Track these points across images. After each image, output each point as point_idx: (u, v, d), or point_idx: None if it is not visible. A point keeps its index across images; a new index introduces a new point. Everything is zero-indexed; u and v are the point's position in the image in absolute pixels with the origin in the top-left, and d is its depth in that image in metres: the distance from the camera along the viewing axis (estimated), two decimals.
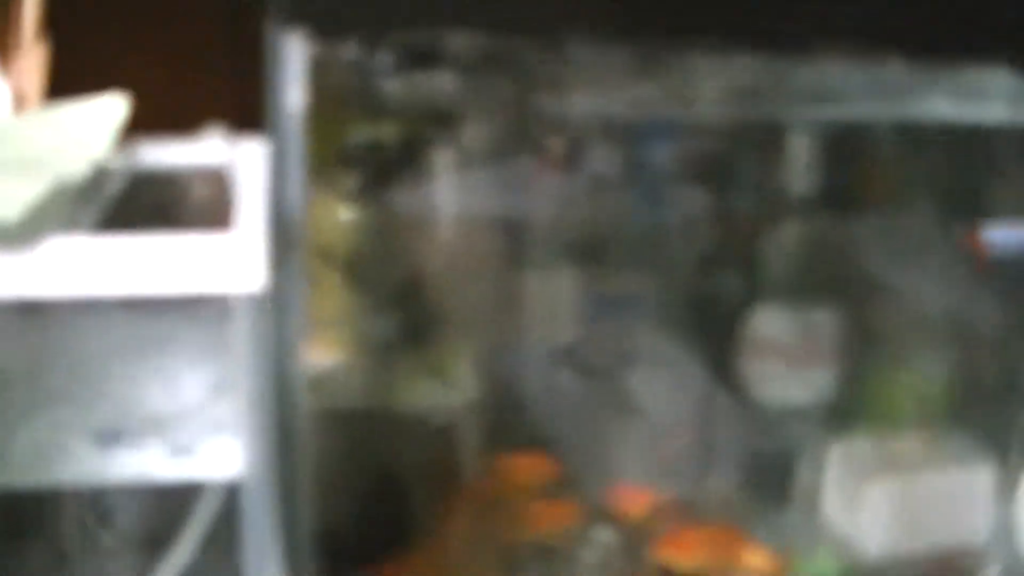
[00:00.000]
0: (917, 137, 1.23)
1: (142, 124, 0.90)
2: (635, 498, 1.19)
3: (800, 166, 1.25)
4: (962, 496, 1.19)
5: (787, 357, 1.26)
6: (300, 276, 0.89)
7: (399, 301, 1.17)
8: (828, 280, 1.29)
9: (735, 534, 1.15)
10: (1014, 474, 1.22)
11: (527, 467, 1.19)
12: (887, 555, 1.18)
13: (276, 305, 0.87)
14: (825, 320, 1.27)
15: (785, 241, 1.27)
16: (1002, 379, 1.28)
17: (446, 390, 1.16)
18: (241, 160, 1.00)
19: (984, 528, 1.21)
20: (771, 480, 1.24)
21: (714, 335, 1.28)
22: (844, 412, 1.28)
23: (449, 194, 1.23)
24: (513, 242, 1.25)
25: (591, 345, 1.29)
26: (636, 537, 1.15)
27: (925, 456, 1.21)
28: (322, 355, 1.10)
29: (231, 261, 0.86)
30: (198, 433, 0.87)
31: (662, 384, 1.25)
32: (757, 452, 1.25)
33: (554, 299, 1.27)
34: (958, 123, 1.18)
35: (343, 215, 1.12)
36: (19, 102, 0.99)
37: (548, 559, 1.16)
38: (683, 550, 1.13)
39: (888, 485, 1.17)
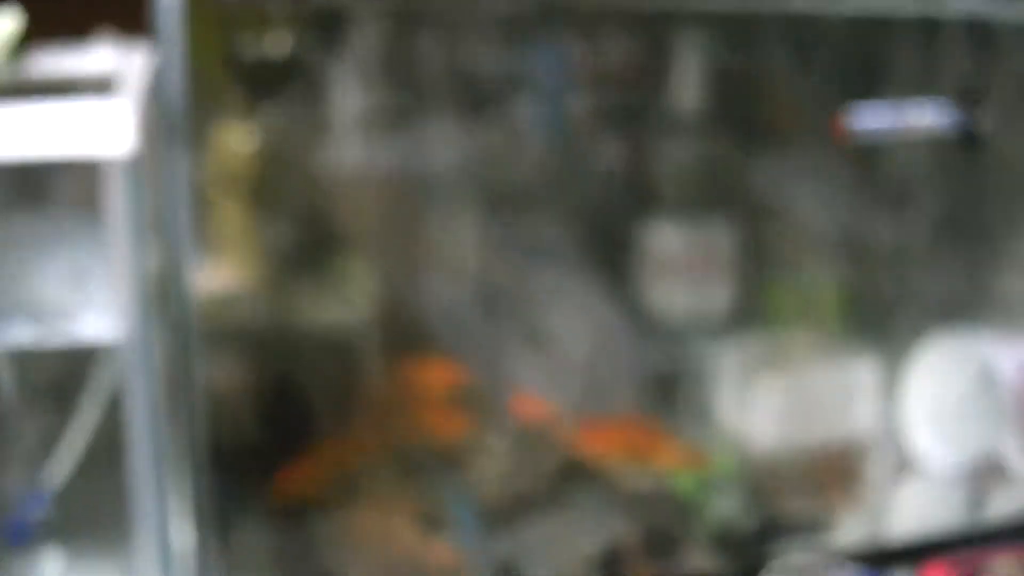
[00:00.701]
0: (805, 32, 1.24)
1: (32, 33, 0.90)
2: (535, 407, 1.19)
3: (691, 79, 1.24)
4: (849, 392, 1.23)
5: (683, 271, 1.26)
6: (184, 185, 0.89)
7: (298, 219, 1.16)
8: (722, 194, 1.29)
9: (648, 429, 1.17)
10: (898, 372, 1.25)
11: (430, 374, 1.18)
12: (779, 449, 1.21)
13: (167, 221, 0.88)
14: (720, 233, 1.27)
15: (679, 156, 1.27)
16: (888, 281, 1.32)
17: (347, 305, 1.16)
18: (128, 67, 1.00)
19: (871, 423, 1.25)
20: (669, 388, 1.25)
21: (613, 252, 1.28)
22: (739, 321, 1.29)
23: (348, 110, 1.21)
24: (413, 161, 1.23)
25: (493, 267, 1.28)
26: (535, 444, 1.17)
27: (813, 354, 1.24)
28: (223, 275, 1.10)
29: (103, 126, 0.87)
30: (75, 304, 0.87)
31: (564, 302, 1.24)
32: (656, 364, 1.26)
33: (454, 218, 1.26)
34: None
35: (239, 133, 1.11)
36: None
37: (449, 466, 1.17)
38: (598, 443, 1.14)
39: (777, 381, 1.20)
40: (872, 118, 1.08)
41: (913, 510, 1.22)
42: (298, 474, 1.07)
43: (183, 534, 0.96)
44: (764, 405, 1.19)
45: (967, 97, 1.07)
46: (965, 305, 1.41)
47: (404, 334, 1.19)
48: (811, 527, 1.13)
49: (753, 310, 1.29)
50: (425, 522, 1.12)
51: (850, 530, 1.16)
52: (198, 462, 0.96)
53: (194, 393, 0.96)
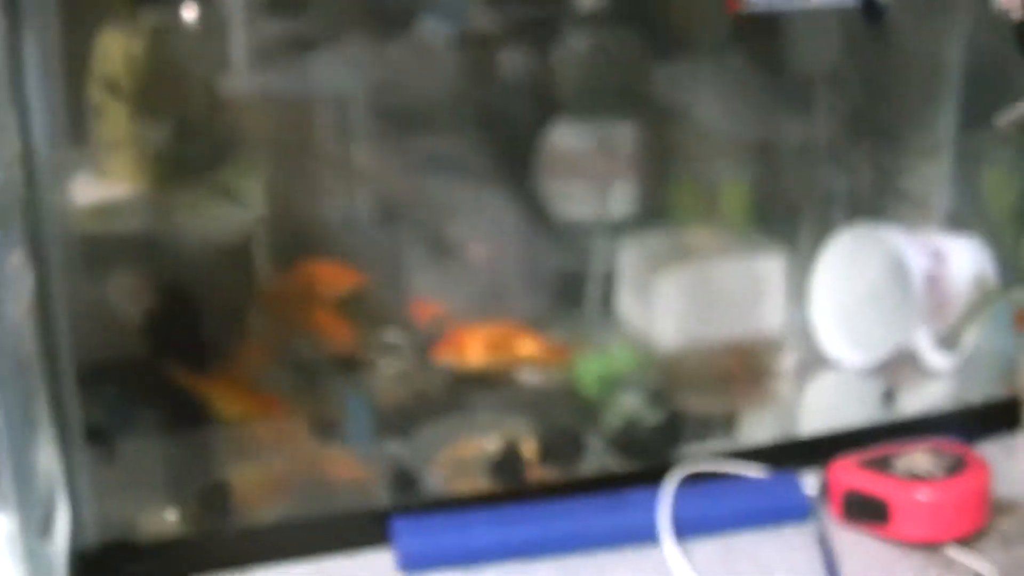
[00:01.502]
0: None
1: None
2: (430, 310, 1.17)
3: None
4: (756, 288, 1.21)
5: (586, 171, 1.25)
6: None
7: (186, 126, 1.14)
8: (623, 93, 1.27)
9: (513, 331, 1.15)
10: (807, 268, 1.25)
11: (325, 278, 1.17)
12: (682, 346, 1.19)
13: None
14: (623, 134, 1.26)
15: (577, 54, 1.24)
16: (795, 178, 1.31)
17: (238, 210, 1.14)
18: None
19: (779, 319, 1.23)
20: (572, 289, 1.25)
21: (516, 158, 1.27)
22: (642, 220, 1.28)
23: (239, 14, 1.18)
24: (311, 73, 1.22)
25: (391, 175, 1.27)
26: (428, 345, 1.15)
27: (715, 249, 1.22)
28: (110, 183, 1.09)
29: None
30: None
31: (466, 209, 1.24)
32: (561, 266, 1.25)
33: (352, 129, 1.25)
34: None
35: (124, 37, 1.08)
36: None
37: (345, 371, 1.16)
38: (460, 349, 1.13)
39: (678, 276, 1.18)
40: None
41: (824, 406, 1.22)
42: (191, 384, 1.05)
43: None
44: (667, 303, 1.18)
45: None
46: (873, 200, 1.41)
47: (297, 240, 1.18)
48: (718, 425, 1.12)
49: (657, 209, 1.29)
50: (320, 428, 1.10)
51: (759, 427, 1.15)
52: (60, 377, 0.92)
53: (52, 304, 0.92)
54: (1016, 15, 0.92)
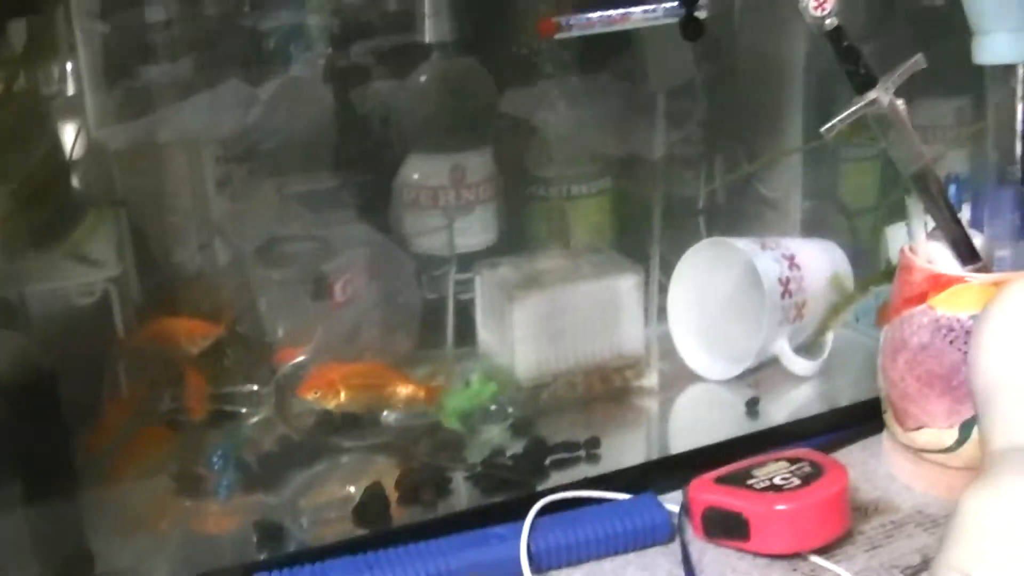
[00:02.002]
0: None
1: None
2: (293, 354, 1.18)
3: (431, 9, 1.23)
4: (612, 308, 1.22)
5: (438, 203, 1.26)
6: None
7: (34, 189, 1.14)
8: (473, 122, 1.29)
9: (378, 370, 1.15)
10: (657, 287, 1.25)
11: (182, 331, 1.18)
12: (543, 373, 1.20)
13: None
14: (474, 162, 1.27)
15: (425, 86, 1.26)
16: (652, 192, 1.32)
17: (92, 268, 1.13)
18: None
19: (639, 338, 1.23)
20: (436, 324, 1.26)
21: (376, 191, 1.29)
22: (497, 248, 1.31)
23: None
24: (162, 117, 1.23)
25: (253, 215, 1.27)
26: (291, 390, 1.16)
27: (571, 272, 1.23)
28: None
29: None
30: None
31: (331, 246, 1.24)
32: (425, 301, 1.27)
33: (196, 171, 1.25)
34: None
35: None
36: None
37: (208, 422, 1.17)
38: (324, 392, 1.13)
39: (534, 302, 1.18)
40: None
41: (689, 422, 1.23)
42: (53, 450, 1.01)
43: None
44: (524, 330, 1.18)
45: None
46: (733, 210, 1.44)
47: (155, 296, 1.20)
48: (583, 450, 1.12)
49: (513, 235, 1.32)
50: (186, 484, 1.10)
51: (625, 450, 1.15)
52: None
53: None
54: (830, 23, 0.93)
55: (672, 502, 1.03)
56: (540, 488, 1.06)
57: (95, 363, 1.11)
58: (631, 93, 1.36)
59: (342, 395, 1.11)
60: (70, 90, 1.20)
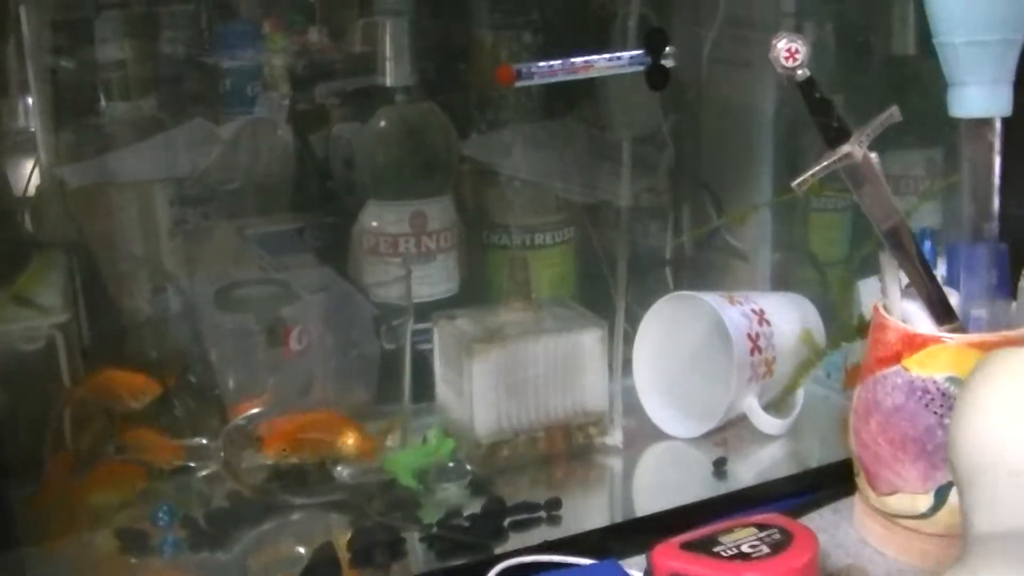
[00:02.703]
0: None
1: None
2: (245, 407, 1.14)
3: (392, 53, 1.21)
4: (575, 363, 1.18)
5: (396, 252, 1.24)
6: None
7: None
8: (433, 169, 1.27)
9: (330, 421, 1.12)
10: (622, 340, 1.21)
11: (124, 386, 1.14)
12: (503, 428, 1.16)
13: None
14: (434, 209, 1.25)
15: (384, 132, 1.25)
16: (616, 241, 1.27)
17: (38, 313, 1.10)
18: None
19: (602, 394, 1.20)
20: (393, 375, 1.19)
21: (338, 235, 1.27)
22: (456, 299, 1.28)
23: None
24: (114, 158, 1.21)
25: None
26: (241, 443, 1.12)
27: (532, 325, 1.19)
28: None
29: None
30: None
31: (288, 294, 1.21)
32: (383, 352, 1.20)
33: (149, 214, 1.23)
34: None
35: None
36: None
37: (153, 477, 1.13)
38: (274, 444, 1.10)
39: (493, 356, 1.14)
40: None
41: (654, 482, 1.19)
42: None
43: None
44: (483, 385, 1.14)
45: (652, 40, 1.04)
46: (700, 262, 1.43)
47: (103, 344, 1.18)
48: (543, 511, 1.08)
49: (472, 286, 1.31)
50: (130, 539, 1.05)
51: (586, 511, 1.12)
52: None
53: None
54: (801, 74, 0.90)
55: (636, 567, 0.99)
56: (498, 551, 1.02)
57: (39, 413, 1.07)
58: (596, 140, 1.33)
59: (291, 449, 1.09)
60: (20, 126, 1.19)
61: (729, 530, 0.98)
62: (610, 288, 1.23)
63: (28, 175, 1.18)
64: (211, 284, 1.18)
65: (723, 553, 0.95)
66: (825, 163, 0.96)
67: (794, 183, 0.95)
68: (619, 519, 1.11)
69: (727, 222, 1.38)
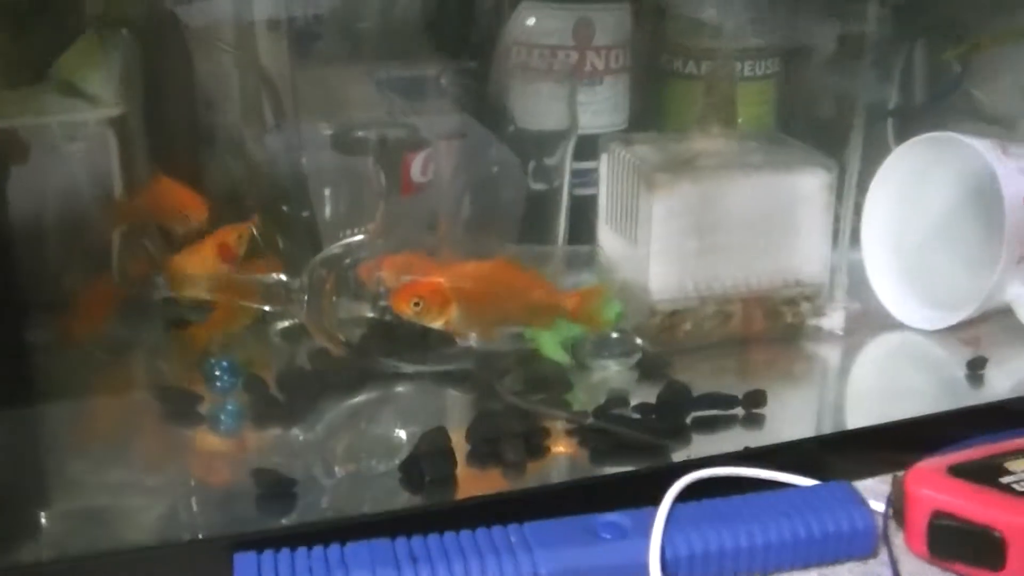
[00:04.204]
0: None
1: None
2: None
3: None
4: (787, 216, 0.97)
5: (559, 67, 1.06)
6: None
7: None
8: None
9: (504, 270, 0.86)
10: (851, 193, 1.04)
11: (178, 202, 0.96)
12: (686, 295, 0.95)
13: None
14: (607, 19, 1.05)
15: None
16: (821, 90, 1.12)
17: (86, 108, 0.93)
18: None
19: (820, 263, 0.99)
20: (541, 223, 1.05)
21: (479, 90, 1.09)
22: (630, 125, 1.11)
23: None
24: None
25: None
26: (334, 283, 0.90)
27: (730, 159, 0.98)
28: None
29: None
30: None
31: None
32: (528, 192, 1.05)
33: None
34: None
35: None
36: None
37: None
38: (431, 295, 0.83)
39: (681, 195, 0.93)
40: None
41: (883, 384, 0.97)
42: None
43: None
44: (665, 232, 0.95)
45: None
46: (926, 122, 1.17)
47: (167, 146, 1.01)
48: (740, 405, 0.86)
49: (647, 122, 1.14)
50: (177, 402, 0.86)
51: (794, 411, 0.90)
52: None
53: None
54: None
55: (871, 494, 0.75)
56: (678, 459, 0.79)
57: (80, 236, 0.93)
58: None
59: (454, 309, 0.82)
60: None
61: (1018, 453, 0.72)
62: (821, 139, 1.02)
63: None
64: (329, 126, 1.02)
65: (1016, 487, 0.69)
66: None
67: None
68: (837, 428, 0.89)
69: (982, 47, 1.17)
